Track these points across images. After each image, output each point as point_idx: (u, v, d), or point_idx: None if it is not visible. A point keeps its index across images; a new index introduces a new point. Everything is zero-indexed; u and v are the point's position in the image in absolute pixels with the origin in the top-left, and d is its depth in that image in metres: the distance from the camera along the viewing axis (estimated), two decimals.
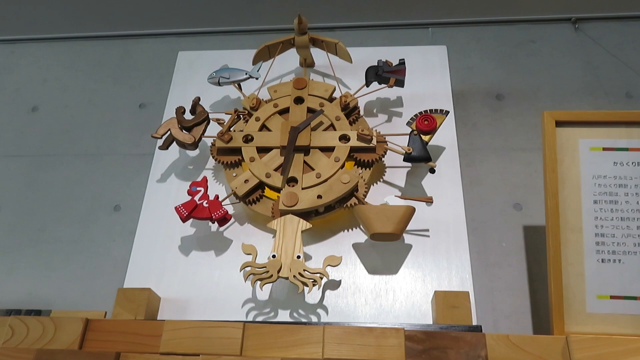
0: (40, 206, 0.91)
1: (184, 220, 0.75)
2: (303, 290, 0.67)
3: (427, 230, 0.79)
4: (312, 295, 0.74)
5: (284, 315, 0.73)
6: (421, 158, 0.76)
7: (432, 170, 0.78)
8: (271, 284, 0.75)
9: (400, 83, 0.84)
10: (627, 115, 0.70)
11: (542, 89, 0.96)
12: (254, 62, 0.91)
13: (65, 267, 0.84)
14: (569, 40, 1.03)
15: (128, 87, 1.04)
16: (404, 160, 0.77)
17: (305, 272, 0.68)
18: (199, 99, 0.85)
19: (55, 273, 0.84)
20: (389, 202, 0.73)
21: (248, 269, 0.68)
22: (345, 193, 0.75)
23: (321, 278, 0.68)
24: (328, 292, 0.75)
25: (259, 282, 0.67)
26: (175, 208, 0.75)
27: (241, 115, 0.85)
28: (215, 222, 0.76)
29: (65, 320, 0.64)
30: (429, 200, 0.75)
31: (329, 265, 0.69)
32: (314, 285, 0.67)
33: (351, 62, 0.90)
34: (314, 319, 0.72)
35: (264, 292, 0.75)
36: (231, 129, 0.83)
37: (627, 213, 0.67)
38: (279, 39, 0.91)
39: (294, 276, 0.67)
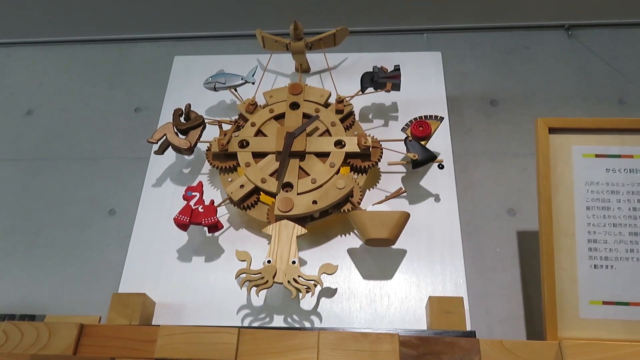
0: (35, 210, 0.91)
1: (186, 227, 0.75)
2: (297, 296, 0.67)
3: (422, 235, 0.79)
4: (307, 301, 0.74)
5: (279, 321, 0.73)
6: (428, 159, 0.77)
7: (441, 166, 0.78)
8: (266, 290, 0.75)
9: (396, 87, 0.84)
10: (620, 123, 0.71)
11: (536, 95, 0.97)
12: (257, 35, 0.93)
13: (60, 272, 0.84)
14: (563, 46, 1.04)
15: (124, 91, 1.04)
16: (413, 167, 0.78)
17: (300, 278, 0.68)
18: (189, 105, 0.85)
19: (50, 278, 0.84)
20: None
21: (243, 275, 0.69)
22: (341, 198, 0.75)
23: (315, 286, 0.68)
24: (323, 298, 0.75)
25: (254, 289, 0.68)
26: (175, 219, 0.74)
27: (240, 127, 0.85)
28: (206, 228, 0.76)
29: (59, 325, 0.64)
30: (401, 192, 0.75)
31: (324, 273, 0.69)
32: (307, 292, 0.67)
33: (349, 32, 0.91)
34: (309, 324, 0.73)
35: (259, 298, 0.75)
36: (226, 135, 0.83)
37: (619, 219, 0.68)
38: (275, 37, 0.91)
39: (289, 281, 0.67)
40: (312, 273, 0.70)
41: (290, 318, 0.73)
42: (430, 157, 0.77)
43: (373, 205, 0.77)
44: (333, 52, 0.95)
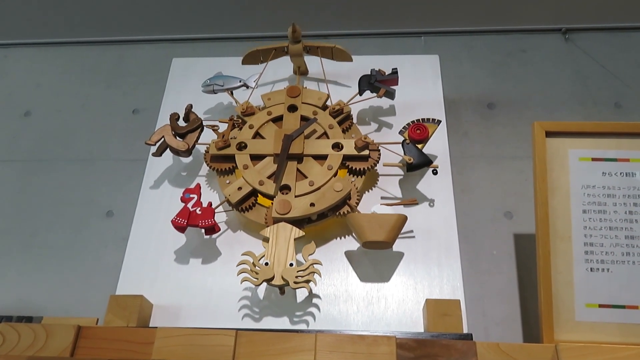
0: (32, 211, 0.91)
1: (183, 230, 0.75)
2: (310, 289, 0.68)
3: (419, 238, 0.79)
4: (305, 303, 0.75)
5: (276, 323, 0.73)
6: (423, 163, 0.77)
7: (435, 172, 0.78)
8: (264, 291, 0.75)
9: (390, 95, 0.85)
10: (616, 127, 0.71)
11: (533, 98, 0.98)
12: (244, 63, 0.92)
13: (57, 273, 0.84)
14: (559, 50, 1.04)
15: (122, 93, 1.05)
16: (408, 170, 0.78)
17: (300, 272, 0.68)
18: (191, 106, 0.85)
19: (47, 279, 0.84)
20: (377, 211, 0.74)
21: (248, 258, 0.69)
22: (338, 201, 0.75)
23: (316, 267, 0.68)
24: (320, 300, 0.75)
25: (242, 275, 0.68)
26: (172, 221, 0.74)
27: (236, 124, 0.86)
28: (203, 230, 0.76)
29: (56, 327, 0.64)
30: (413, 202, 0.76)
31: (309, 255, 0.70)
32: (315, 276, 0.68)
33: (352, 61, 0.91)
34: (306, 326, 0.73)
35: (256, 299, 0.75)
36: (223, 137, 0.84)
37: (616, 223, 0.68)
38: (272, 45, 0.92)
39: (295, 282, 0.67)
40: (302, 265, 0.70)
41: (287, 320, 0.73)
42: (425, 162, 0.77)
43: (381, 205, 0.78)
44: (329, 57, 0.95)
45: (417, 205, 0.82)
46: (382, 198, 0.82)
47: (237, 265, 0.69)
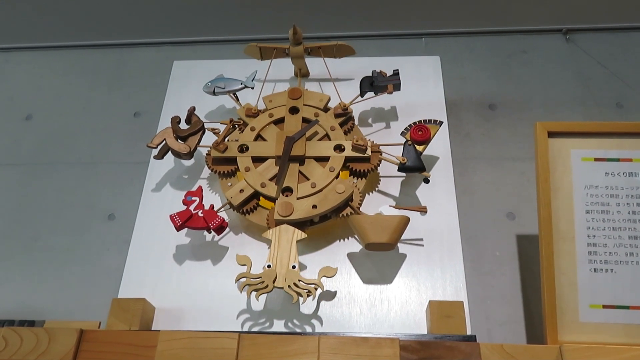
0: (33, 215, 0.91)
1: (178, 229, 0.75)
2: (297, 300, 0.67)
3: (422, 239, 0.79)
4: (307, 305, 0.74)
5: (279, 326, 0.73)
6: (415, 168, 0.77)
7: (427, 180, 0.78)
8: (266, 294, 0.75)
9: (397, 87, 0.85)
10: (618, 126, 0.71)
11: (534, 99, 0.98)
12: (245, 52, 0.93)
13: (59, 277, 0.84)
14: (560, 50, 1.04)
15: (123, 96, 1.04)
16: (398, 170, 0.78)
17: (301, 282, 0.68)
18: (194, 108, 0.86)
19: (49, 283, 0.83)
20: (384, 212, 0.74)
21: (243, 279, 0.69)
22: (340, 203, 0.75)
23: (316, 289, 0.68)
24: (323, 302, 0.75)
25: (254, 293, 0.68)
26: (170, 216, 0.75)
27: (236, 125, 0.86)
28: (213, 232, 0.76)
29: (59, 331, 0.64)
30: (423, 210, 0.75)
31: (324, 276, 0.69)
32: (308, 296, 0.67)
33: (355, 53, 0.91)
34: (309, 329, 0.73)
35: (258, 302, 0.75)
36: (226, 139, 0.83)
37: (619, 223, 0.68)
38: (273, 45, 0.92)
39: (289, 286, 0.67)
40: (312, 278, 0.70)
41: (290, 323, 0.73)
42: (417, 167, 0.77)
43: (389, 206, 0.77)
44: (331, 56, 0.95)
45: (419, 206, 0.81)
46: (388, 197, 0.82)
47: (242, 291, 0.68)
